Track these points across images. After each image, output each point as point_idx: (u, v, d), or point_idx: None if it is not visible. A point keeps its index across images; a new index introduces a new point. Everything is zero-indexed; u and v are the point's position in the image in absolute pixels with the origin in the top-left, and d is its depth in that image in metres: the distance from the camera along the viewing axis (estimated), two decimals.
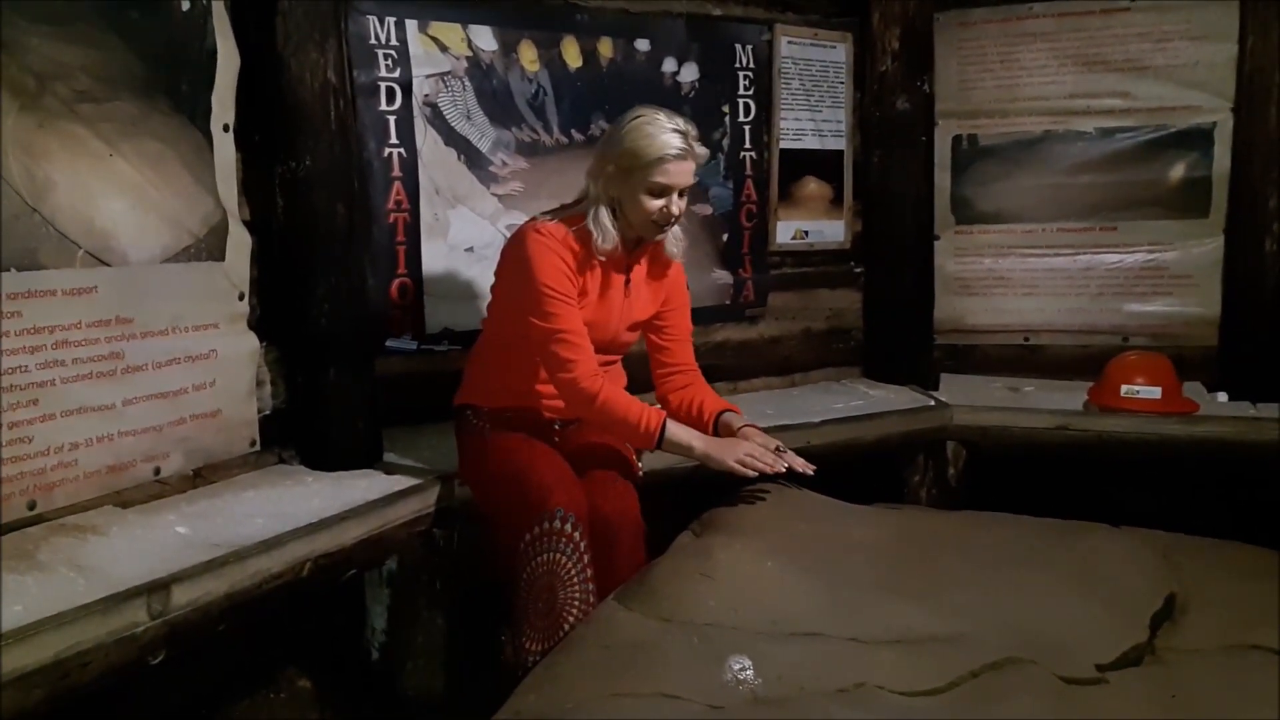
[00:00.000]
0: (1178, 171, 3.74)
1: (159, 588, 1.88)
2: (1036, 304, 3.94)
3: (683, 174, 2.35)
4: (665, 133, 2.31)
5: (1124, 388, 3.35)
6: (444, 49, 3.07)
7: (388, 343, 3.04)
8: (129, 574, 1.90)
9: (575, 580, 2.19)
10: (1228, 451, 3.21)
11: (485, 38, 3.14)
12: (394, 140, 3.01)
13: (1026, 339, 3.96)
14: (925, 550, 2.27)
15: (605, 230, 2.37)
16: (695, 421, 2.53)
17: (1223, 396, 3.51)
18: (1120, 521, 2.44)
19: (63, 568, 1.92)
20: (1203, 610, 2.05)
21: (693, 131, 2.36)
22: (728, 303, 3.73)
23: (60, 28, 2.09)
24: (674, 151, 2.31)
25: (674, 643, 1.85)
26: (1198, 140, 3.69)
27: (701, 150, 2.38)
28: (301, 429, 2.71)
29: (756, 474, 2.34)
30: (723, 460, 2.34)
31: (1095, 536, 2.34)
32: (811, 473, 2.41)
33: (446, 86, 3.08)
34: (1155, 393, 3.32)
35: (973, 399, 3.61)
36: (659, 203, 2.35)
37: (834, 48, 3.84)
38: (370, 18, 2.94)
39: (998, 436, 3.44)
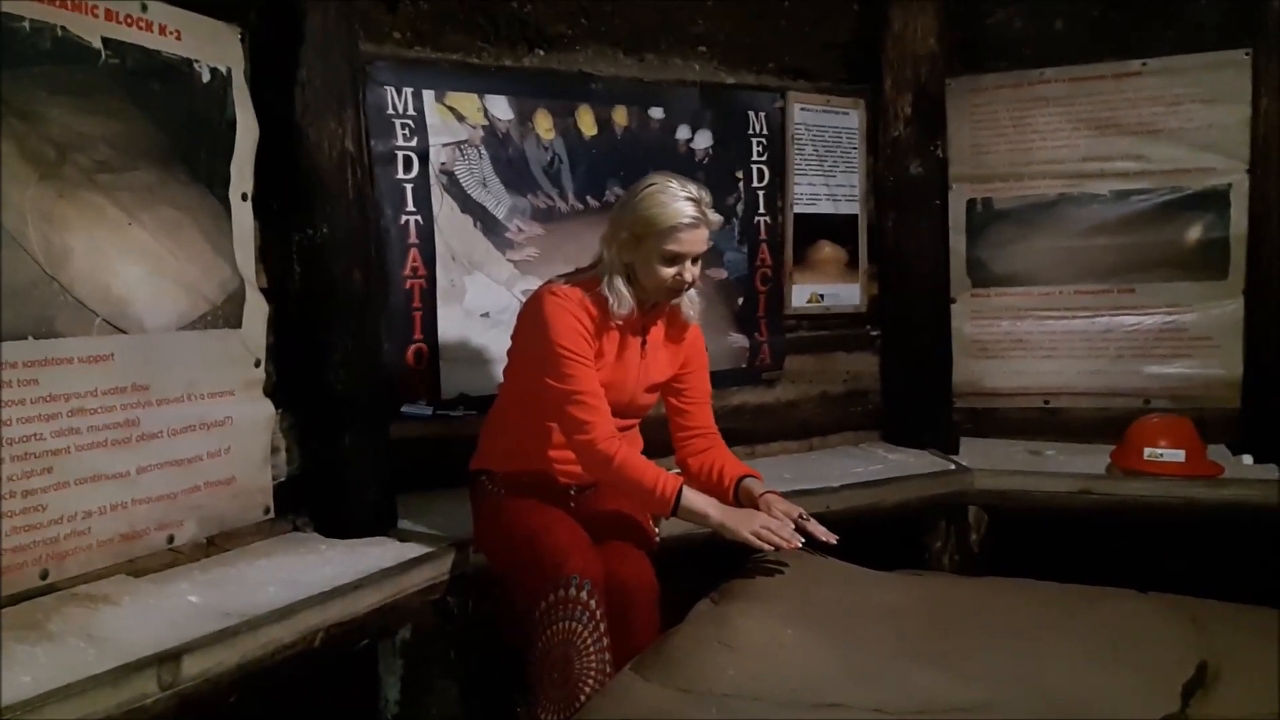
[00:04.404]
0: (1195, 233, 3.74)
1: (169, 658, 1.85)
2: (1056, 366, 3.91)
3: (696, 241, 2.35)
4: (678, 200, 2.32)
5: (1147, 450, 3.32)
6: (460, 118, 3.11)
7: (403, 408, 3.04)
8: (140, 644, 1.87)
9: (591, 650, 2.15)
10: (1255, 515, 3.15)
11: (501, 107, 3.18)
12: (411, 207, 3.04)
13: (1046, 402, 3.93)
14: (949, 617, 2.23)
15: (621, 296, 2.37)
16: (715, 486, 2.50)
17: (1248, 459, 3.46)
18: (1147, 587, 2.39)
19: (73, 638, 1.89)
20: (1235, 678, 1.99)
21: (706, 198, 2.36)
22: (744, 366, 3.72)
23: (81, 99, 2.12)
24: (687, 220, 2.32)
25: (693, 713, 1.81)
26: (1214, 202, 3.69)
27: (715, 217, 2.38)
28: (316, 496, 2.70)
29: (773, 547, 2.30)
30: (738, 531, 2.30)
31: (1123, 602, 2.29)
32: (834, 542, 2.38)
33: (463, 155, 3.12)
34: (1179, 455, 3.28)
35: (994, 463, 3.57)
36: (672, 270, 2.35)
37: (846, 114, 3.88)
38: (388, 88, 2.98)
39: (1020, 500, 3.40)
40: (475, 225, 3.15)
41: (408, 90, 3.02)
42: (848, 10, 3.82)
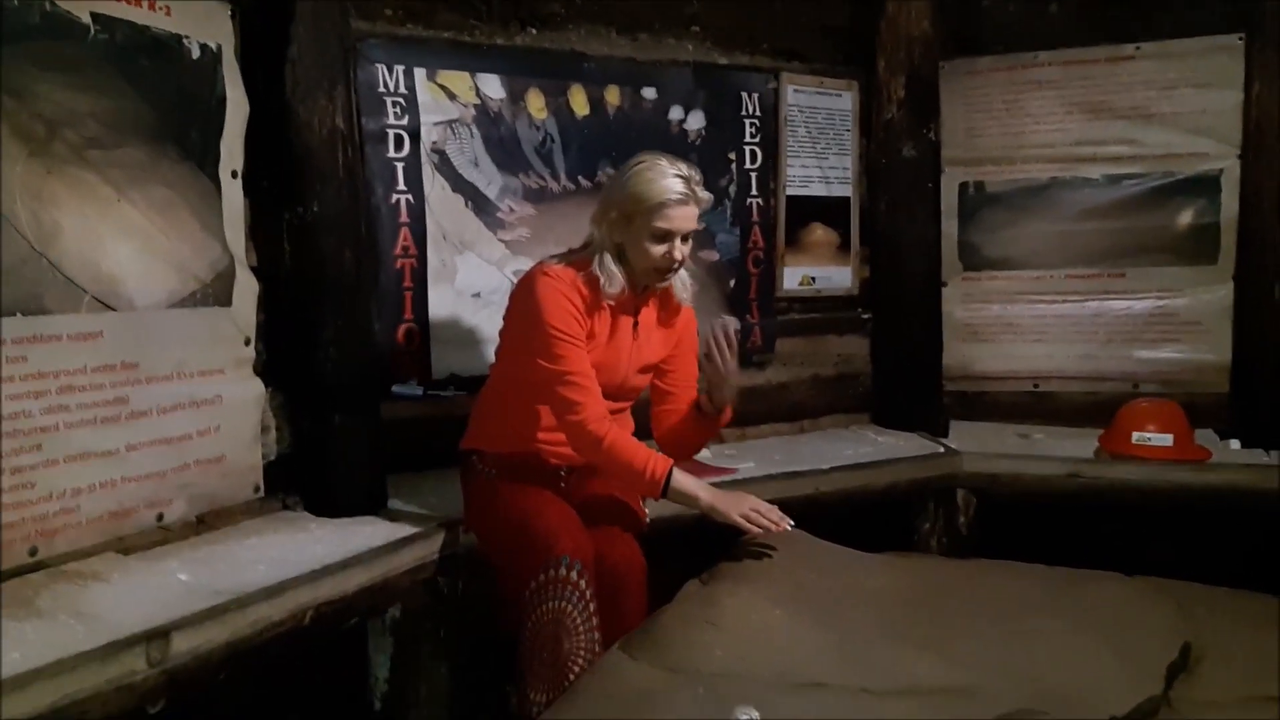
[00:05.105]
0: (1186, 218, 3.74)
1: (158, 635, 1.86)
2: (1046, 350, 3.92)
3: (685, 218, 2.34)
4: (666, 178, 2.31)
5: (1135, 435, 3.33)
6: (452, 97, 3.10)
7: (394, 388, 3.03)
8: (129, 621, 1.87)
9: (581, 629, 2.16)
10: (1242, 499, 3.17)
11: (493, 86, 3.17)
12: (402, 186, 3.02)
13: (1036, 386, 3.94)
14: (936, 599, 2.24)
15: (612, 275, 2.37)
16: (680, 425, 2.54)
17: (1235, 443, 3.48)
18: (1133, 570, 2.40)
19: (62, 615, 1.89)
20: (1219, 661, 2.01)
21: (695, 176, 2.35)
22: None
23: (70, 75, 2.11)
24: (675, 196, 2.31)
25: (680, 693, 1.82)
26: (1205, 187, 3.69)
27: (704, 194, 2.37)
28: (306, 475, 2.70)
29: (760, 530, 2.31)
30: (727, 514, 2.31)
31: (1108, 585, 2.30)
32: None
33: (454, 134, 3.10)
34: (1167, 440, 3.30)
35: (983, 446, 3.59)
36: (662, 248, 2.34)
37: (840, 96, 3.87)
38: (379, 66, 2.96)
39: (1008, 484, 3.42)
40: (466, 205, 3.14)
41: (399, 68, 3.00)
42: None
